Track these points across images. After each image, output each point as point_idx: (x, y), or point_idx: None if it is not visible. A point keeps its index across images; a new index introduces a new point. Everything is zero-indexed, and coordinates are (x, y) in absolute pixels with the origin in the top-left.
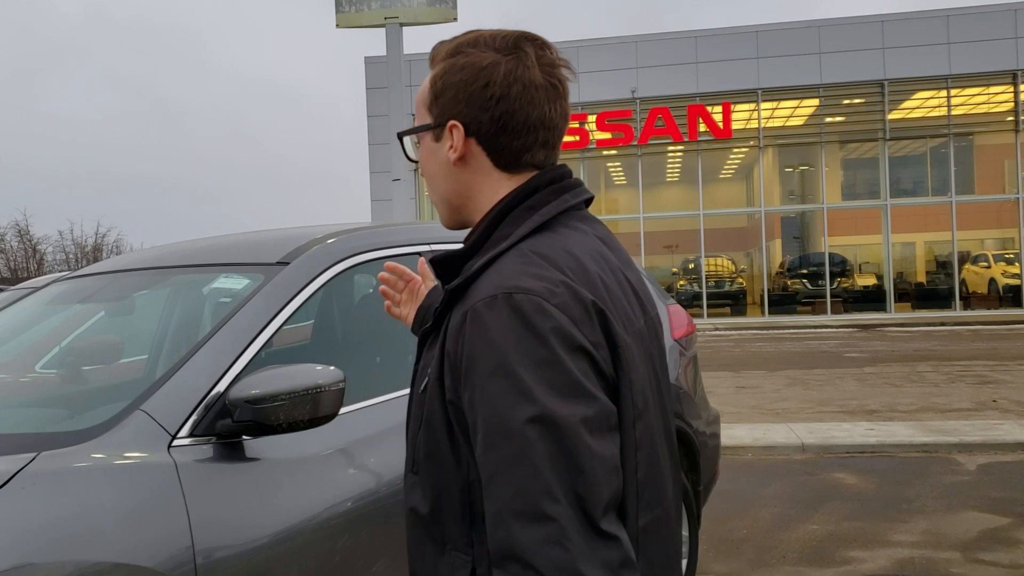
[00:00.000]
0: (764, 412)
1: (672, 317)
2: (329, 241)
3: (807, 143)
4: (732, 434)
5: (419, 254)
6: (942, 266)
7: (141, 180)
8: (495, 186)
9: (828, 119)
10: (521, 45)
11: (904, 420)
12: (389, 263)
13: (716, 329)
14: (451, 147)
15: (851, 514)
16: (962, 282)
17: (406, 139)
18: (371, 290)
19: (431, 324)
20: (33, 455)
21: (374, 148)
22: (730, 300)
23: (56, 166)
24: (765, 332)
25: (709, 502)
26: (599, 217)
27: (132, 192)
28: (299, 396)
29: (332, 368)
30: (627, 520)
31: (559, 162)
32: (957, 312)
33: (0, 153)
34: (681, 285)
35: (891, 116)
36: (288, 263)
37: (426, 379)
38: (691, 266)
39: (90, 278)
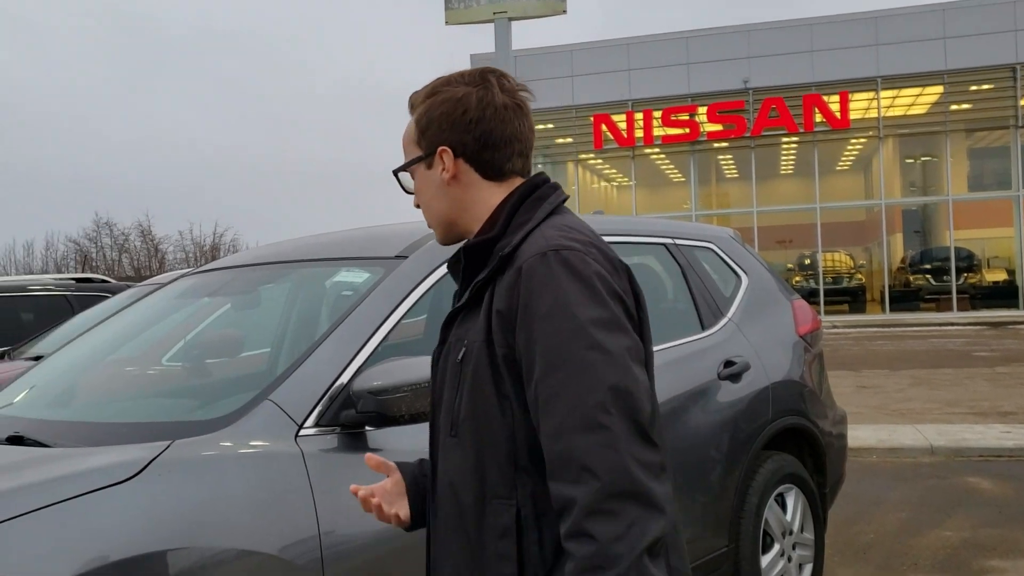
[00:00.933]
0: (888, 412)
1: (797, 312)
2: None
3: (931, 132)
4: (855, 435)
5: None
6: None
7: (254, 182)
8: (487, 194)
9: (953, 107)
10: (486, 77)
11: None
12: (368, 456)
13: (835, 327)
14: (444, 169)
15: (988, 521)
16: None
17: (401, 175)
18: None
19: (464, 302)
20: (167, 443)
21: None
22: (848, 297)
23: (175, 172)
24: (886, 330)
25: (835, 506)
26: (712, 211)
27: (246, 193)
28: (422, 388)
29: None
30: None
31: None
32: None
33: (125, 162)
34: (796, 281)
35: None
36: (407, 257)
37: (463, 349)
38: (807, 262)
39: (216, 272)
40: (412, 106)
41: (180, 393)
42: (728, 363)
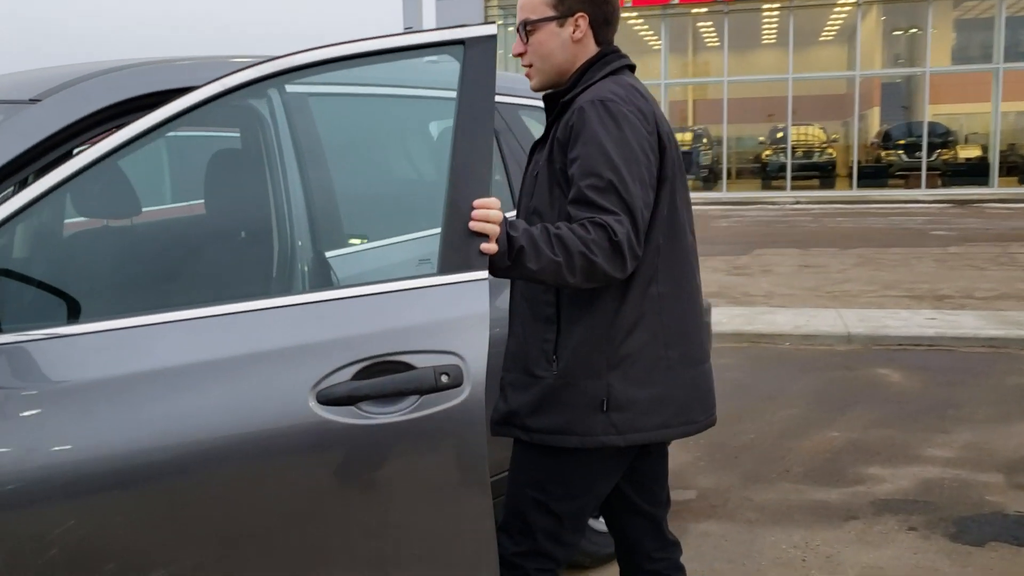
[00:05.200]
0: (820, 295)
1: None
2: (107, 75)
3: (914, 0)
4: (771, 320)
5: (219, 95)
6: None
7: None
8: (590, 54)
9: None
10: None
11: (976, 308)
12: None
13: (798, 203)
14: (576, 30)
15: (883, 420)
16: None
17: (524, 28)
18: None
19: (541, 137)
20: None
21: (407, 2)
22: (818, 172)
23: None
24: (850, 207)
25: (723, 400)
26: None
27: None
28: None
29: None
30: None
31: None
32: None
33: None
34: (767, 156)
35: None
36: (40, 100)
37: (537, 168)
38: (780, 135)
39: None
40: None
41: None
42: None
